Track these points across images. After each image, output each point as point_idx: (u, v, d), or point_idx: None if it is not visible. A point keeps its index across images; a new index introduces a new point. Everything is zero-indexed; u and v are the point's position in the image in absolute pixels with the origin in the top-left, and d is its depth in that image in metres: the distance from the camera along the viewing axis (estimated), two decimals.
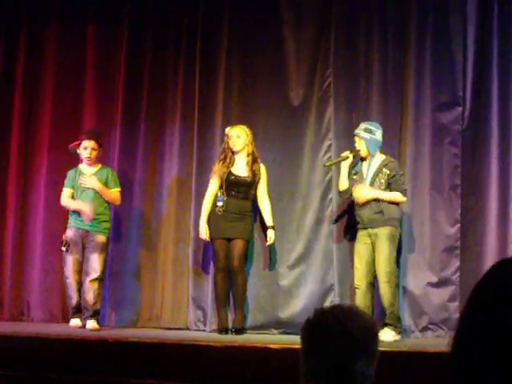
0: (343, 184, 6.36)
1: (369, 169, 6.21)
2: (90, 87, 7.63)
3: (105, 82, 7.61)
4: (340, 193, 6.47)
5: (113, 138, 7.45)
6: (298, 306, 6.73)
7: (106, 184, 6.81)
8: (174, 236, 7.20)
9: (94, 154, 6.79)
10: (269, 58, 7.11)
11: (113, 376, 5.16)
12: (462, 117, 6.61)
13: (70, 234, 6.73)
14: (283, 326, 6.72)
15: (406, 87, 6.74)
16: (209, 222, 6.65)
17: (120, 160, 7.37)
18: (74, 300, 6.70)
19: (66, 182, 6.86)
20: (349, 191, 6.34)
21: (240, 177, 6.61)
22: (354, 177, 6.30)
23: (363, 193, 6.15)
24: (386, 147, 6.57)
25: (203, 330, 6.86)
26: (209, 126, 7.15)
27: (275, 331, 6.75)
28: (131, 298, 7.22)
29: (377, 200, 6.11)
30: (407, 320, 6.44)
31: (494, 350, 1.34)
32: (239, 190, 6.61)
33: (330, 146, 6.83)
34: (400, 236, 6.24)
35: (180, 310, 7.10)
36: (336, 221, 6.78)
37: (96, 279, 6.61)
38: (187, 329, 6.97)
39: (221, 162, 6.65)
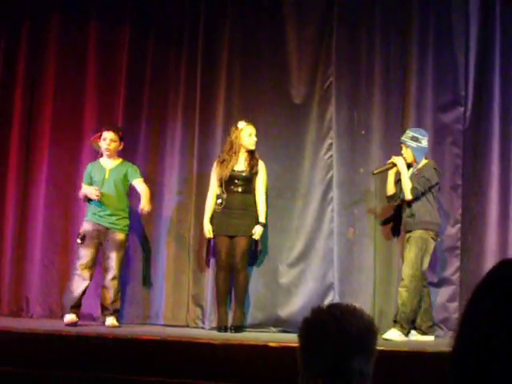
0: (391, 190, 6.36)
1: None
2: (91, 83, 7.62)
3: (106, 78, 7.60)
4: (387, 198, 6.46)
5: None
6: (297, 304, 6.72)
7: (125, 178, 6.74)
8: (175, 233, 7.20)
9: (113, 145, 6.73)
10: (271, 55, 7.11)
11: (112, 373, 5.16)
12: (464, 117, 6.60)
13: (87, 227, 6.61)
14: (282, 325, 6.71)
15: (408, 86, 6.74)
16: (212, 219, 6.66)
17: (121, 156, 7.35)
18: (76, 294, 6.51)
19: (84, 177, 6.81)
20: (396, 196, 6.36)
21: (237, 171, 6.60)
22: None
23: (399, 161, 6.20)
24: (387, 147, 6.56)
25: (202, 328, 6.87)
26: (210, 123, 7.15)
27: (274, 329, 6.75)
28: (131, 295, 7.21)
29: (409, 203, 6.16)
30: None
31: (495, 351, 1.34)
32: (237, 184, 6.59)
33: (331, 144, 6.83)
34: (434, 239, 6.16)
35: (180, 308, 7.10)
36: (337, 219, 6.77)
37: (115, 278, 6.58)
38: (187, 326, 6.97)
39: (224, 161, 6.61)
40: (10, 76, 7.83)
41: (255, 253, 6.83)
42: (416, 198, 6.14)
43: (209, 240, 6.84)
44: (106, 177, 6.72)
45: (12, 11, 7.92)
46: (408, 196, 6.14)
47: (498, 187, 6.50)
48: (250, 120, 6.79)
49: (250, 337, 6.07)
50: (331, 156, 6.81)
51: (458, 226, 6.54)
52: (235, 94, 7.18)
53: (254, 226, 6.58)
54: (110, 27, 7.64)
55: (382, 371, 1.99)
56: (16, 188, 7.67)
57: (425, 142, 6.22)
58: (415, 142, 6.19)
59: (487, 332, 1.36)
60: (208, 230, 6.65)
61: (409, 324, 6.05)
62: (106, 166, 6.77)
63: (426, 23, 6.75)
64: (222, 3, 7.27)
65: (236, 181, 6.59)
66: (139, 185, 6.77)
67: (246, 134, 6.60)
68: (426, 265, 6.10)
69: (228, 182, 6.60)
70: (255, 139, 6.62)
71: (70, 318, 6.52)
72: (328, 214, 6.79)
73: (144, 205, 6.60)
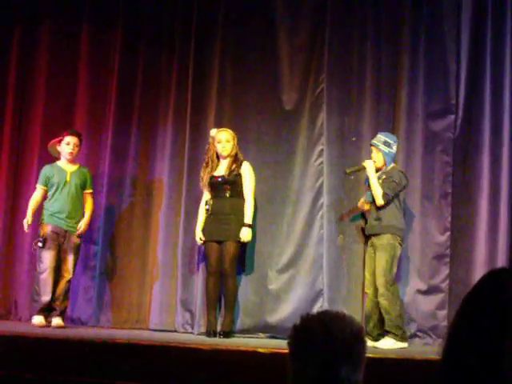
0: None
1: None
2: (82, 87, 7.61)
3: (97, 82, 7.60)
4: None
5: (104, 138, 7.43)
6: (286, 310, 6.72)
7: (84, 185, 6.86)
8: (164, 238, 7.18)
9: (76, 150, 6.85)
10: (262, 61, 7.11)
11: (99, 377, 5.14)
12: (454, 125, 6.62)
13: (47, 230, 6.73)
14: (271, 331, 6.70)
15: (399, 94, 6.75)
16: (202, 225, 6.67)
17: (111, 161, 7.36)
18: (47, 297, 6.64)
19: (41, 178, 6.89)
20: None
21: (217, 176, 6.60)
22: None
23: (369, 164, 6.19)
24: None
25: (191, 333, 6.85)
26: (201, 128, 7.14)
27: (263, 335, 6.74)
28: (119, 299, 7.20)
29: (376, 207, 6.14)
30: None
31: (483, 360, 1.34)
32: (224, 188, 6.58)
33: (322, 151, 6.83)
34: (400, 244, 6.14)
35: (168, 312, 7.08)
36: (327, 226, 6.77)
37: (69, 281, 6.74)
38: (175, 331, 6.96)
39: (206, 168, 6.64)
40: (1, 80, 7.81)
41: (243, 258, 6.83)
42: (387, 203, 6.13)
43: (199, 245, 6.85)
44: (68, 179, 6.80)
45: (3, 16, 7.90)
46: (379, 202, 6.11)
47: (487, 195, 6.51)
48: (239, 125, 6.82)
49: (239, 342, 6.05)
50: (322, 162, 6.82)
51: (448, 233, 6.55)
52: (226, 100, 7.18)
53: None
54: (102, 33, 7.64)
55: (371, 378, 1.99)
56: (6, 191, 7.66)
57: (395, 148, 6.23)
58: (387, 148, 6.19)
59: (475, 341, 1.36)
60: (199, 238, 6.64)
61: (399, 329, 6.00)
62: (66, 168, 6.85)
63: (418, 31, 6.77)
64: (214, 10, 7.27)
65: (222, 185, 6.59)
66: (89, 198, 6.94)
67: (216, 141, 6.62)
68: (394, 271, 6.08)
69: (214, 188, 6.60)
70: (226, 145, 6.60)
71: (39, 320, 6.67)
72: (318, 221, 6.79)
73: (85, 224, 6.81)
